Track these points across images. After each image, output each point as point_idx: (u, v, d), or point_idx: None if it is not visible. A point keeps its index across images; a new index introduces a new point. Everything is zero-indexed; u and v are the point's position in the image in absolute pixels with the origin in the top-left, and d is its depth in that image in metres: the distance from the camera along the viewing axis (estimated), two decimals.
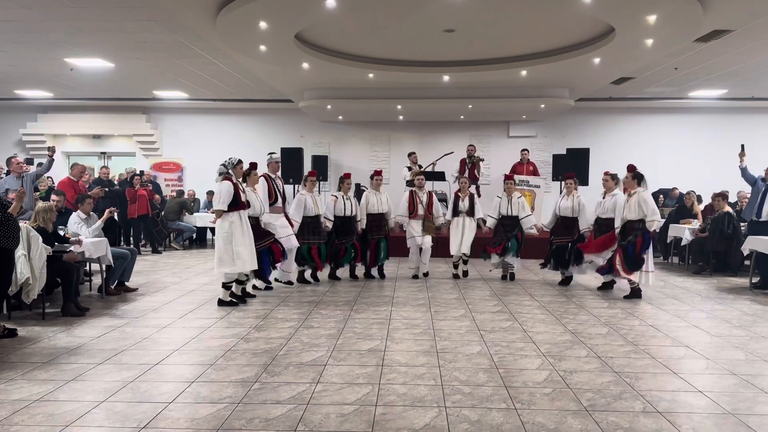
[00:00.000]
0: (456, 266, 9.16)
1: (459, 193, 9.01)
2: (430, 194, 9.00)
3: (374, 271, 8.99)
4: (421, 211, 8.82)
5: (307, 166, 14.13)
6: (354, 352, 4.97)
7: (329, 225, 8.39)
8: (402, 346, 5.16)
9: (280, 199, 7.90)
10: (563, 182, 8.64)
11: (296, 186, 12.57)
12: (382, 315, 6.41)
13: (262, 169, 7.83)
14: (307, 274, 8.54)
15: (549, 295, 7.71)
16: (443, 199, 11.53)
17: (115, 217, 9.05)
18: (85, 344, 5.19)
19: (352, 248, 8.56)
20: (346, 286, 8.29)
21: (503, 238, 8.60)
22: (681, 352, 5.07)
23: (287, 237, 7.77)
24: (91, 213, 7.66)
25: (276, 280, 8.14)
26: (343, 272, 8.91)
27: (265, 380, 4.25)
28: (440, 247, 10.48)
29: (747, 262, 8.99)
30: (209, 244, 13.79)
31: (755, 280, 8.27)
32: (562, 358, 4.85)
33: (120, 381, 4.21)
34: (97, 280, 7.86)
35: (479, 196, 11.91)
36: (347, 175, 8.76)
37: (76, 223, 7.38)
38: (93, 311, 6.50)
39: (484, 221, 9.00)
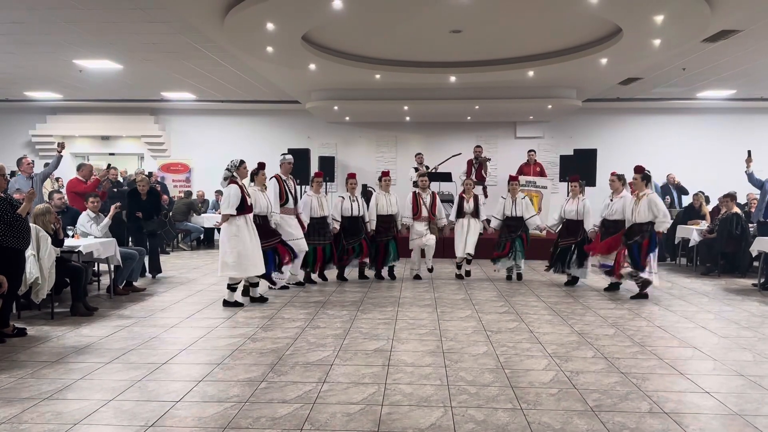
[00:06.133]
0: (459, 267, 9.14)
1: (464, 195, 8.99)
2: (433, 195, 8.97)
3: (384, 272, 8.98)
4: (425, 212, 8.80)
5: (314, 167, 14.15)
6: (360, 352, 4.98)
7: (337, 226, 8.40)
8: (408, 347, 5.17)
9: (291, 200, 7.88)
10: (569, 184, 8.59)
11: (303, 187, 12.60)
12: (388, 315, 6.42)
13: (273, 169, 7.86)
14: (314, 275, 8.58)
15: (555, 296, 7.69)
16: (450, 200, 11.52)
17: (123, 218, 9.07)
18: (94, 343, 5.23)
19: (359, 248, 8.56)
20: (354, 286, 8.31)
21: (507, 238, 8.64)
22: (688, 353, 5.05)
23: (296, 240, 7.76)
24: (99, 213, 7.72)
25: (284, 287, 8.05)
26: (350, 273, 8.91)
27: (271, 379, 4.27)
28: (445, 248, 10.47)
29: (756, 263, 8.93)
30: (217, 245, 13.81)
31: (761, 280, 8.22)
32: (569, 358, 4.84)
33: (128, 380, 4.24)
34: (105, 281, 7.90)
35: (486, 196, 11.92)
36: (351, 175, 8.77)
37: (86, 222, 7.45)
38: (101, 311, 6.55)
39: (489, 222, 9.03)
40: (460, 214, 8.94)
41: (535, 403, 3.84)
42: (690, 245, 10.08)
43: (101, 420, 3.54)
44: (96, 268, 8.14)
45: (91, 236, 7.34)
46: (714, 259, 9.58)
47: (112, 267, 7.34)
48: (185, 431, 3.39)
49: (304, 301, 7.24)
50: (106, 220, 7.60)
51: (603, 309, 6.85)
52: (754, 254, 8.46)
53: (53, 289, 6.18)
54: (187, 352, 5.00)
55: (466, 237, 8.85)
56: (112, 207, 7.88)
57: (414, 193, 8.99)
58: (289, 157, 8.23)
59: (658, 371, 4.53)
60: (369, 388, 4.09)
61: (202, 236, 13.40)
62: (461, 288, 8.22)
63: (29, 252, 5.76)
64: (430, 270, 9.08)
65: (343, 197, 8.57)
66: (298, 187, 8.32)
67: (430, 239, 8.81)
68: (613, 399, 3.92)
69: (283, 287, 7.97)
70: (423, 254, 8.92)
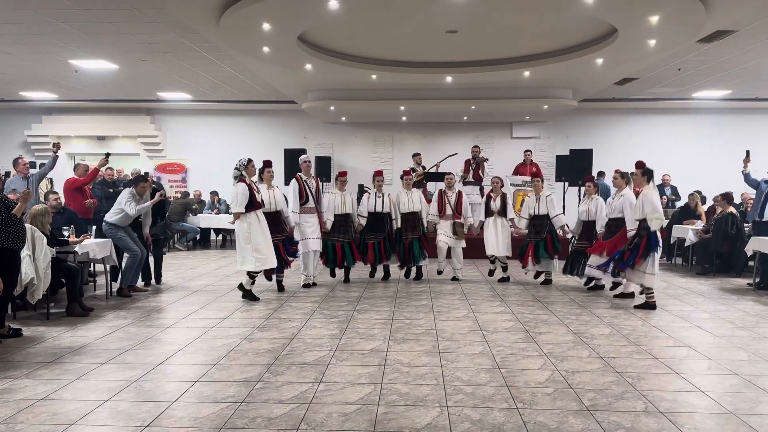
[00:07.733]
0: (493, 262, 8.84)
1: (491, 194, 8.80)
2: (459, 194, 8.85)
3: (413, 271, 8.98)
4: (449, 211, 8.72)
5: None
6: (356, 352, 4.98)
7: (363, 222, 8.48)
8: (404, 347, 5.18)
9: (311, 199, 8.03)
10: (584, 185, 8.32)
11: None
12: (384, 315, 6.43)
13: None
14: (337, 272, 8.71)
15: (551, 295, 7.71)
16: None
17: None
18: (89, 344, 5.22)
19: (377, 246, 8.47)
20: (351, 286, 8.31)
21: (531, 240, 8.34)
22: (683, 353, 5.07)
23: (306, 240, 7.96)
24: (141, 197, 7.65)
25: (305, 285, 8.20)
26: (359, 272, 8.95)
27: (267, 380, 4.27)
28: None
29: (751, 263, 8.97)
30: (213, 245, 13.84)
31: (756, 280, 8.25)
32: (565, 358, 4.86)
33: (124, 380, 4.24)
34: (101, 281, 7.88)
35: (483, 197, 11.91)
36: (378, 173, 8.78)
37: (129, 197, 7.32)
38: (97, 311, 6.53)
39: (512, 220, 8.78)
40: (488, 213, 8.76)
41: (530, 402, 3.85)
42: (686, 245, 10.12)
43: (97, 420, 3.54)
44: (92, 268, 8.13)
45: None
46: (709, 258, 9.61)
47: (107, 268, 7.32)
48: (181, 431, 3.39)
49: (301, 301, 7.24)
50: (147, 204, 7.52)
51: (599, 309, 6.87)
52: (749, 254, 8.48)
53: (49, 290, 6.16)
54: (183, 352, 5.00)
55: (498, 236, 8.60)
56: (157, 194, 7.79)
57: (440, 190, 8.97)
58: (305, 156, 8.45)
59: (654, 371, 4.54)
60: (365, 388, 4.09)
61: (198, 236, 13.38)
62: (457, 288, 8.23)
63: (25, 252, 5.74)
64: (440, 272, 9.05)
65: (369, 193, 8.64)
66: (321, 184, 8.49)
67: (455, 244, 8.75)
68: (608, 398, 3.93)
69: (311, 284, 8.19)
70: (449, 255, 8.87)
